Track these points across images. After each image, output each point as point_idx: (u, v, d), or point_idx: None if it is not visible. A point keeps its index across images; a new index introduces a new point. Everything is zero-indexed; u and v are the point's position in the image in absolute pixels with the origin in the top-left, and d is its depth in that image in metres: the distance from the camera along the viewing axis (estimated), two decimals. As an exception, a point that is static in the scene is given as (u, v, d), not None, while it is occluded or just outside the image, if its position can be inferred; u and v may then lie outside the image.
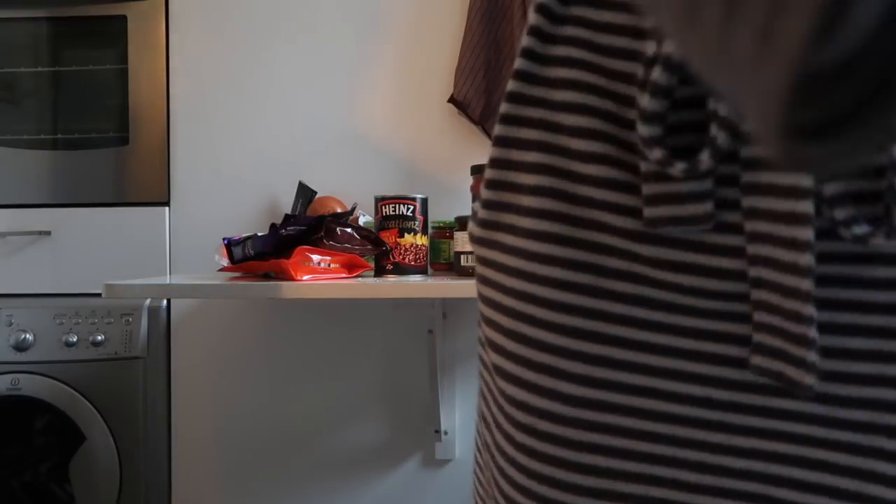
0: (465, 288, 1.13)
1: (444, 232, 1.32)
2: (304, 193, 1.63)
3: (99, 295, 1.69)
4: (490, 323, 0.36)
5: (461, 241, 1.23)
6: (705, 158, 0.29)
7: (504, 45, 1.65)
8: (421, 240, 1.24)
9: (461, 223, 1.24)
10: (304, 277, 1.13)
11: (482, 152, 1.70)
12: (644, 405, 0.31)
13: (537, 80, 0.35)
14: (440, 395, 1.61)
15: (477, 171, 1.32)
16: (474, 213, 0.39)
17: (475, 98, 1.66)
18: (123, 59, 1.73)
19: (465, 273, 1.23)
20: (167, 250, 1.73)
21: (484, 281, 0.38)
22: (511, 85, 0.36)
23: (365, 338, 1.71)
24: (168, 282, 1.23)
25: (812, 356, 0.27)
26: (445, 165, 1.71)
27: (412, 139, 1.72)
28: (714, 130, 0.29)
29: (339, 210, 1.56)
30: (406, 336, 1.71)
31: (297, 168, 1.72)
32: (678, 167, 0.29)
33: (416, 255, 1.24)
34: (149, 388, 1.68)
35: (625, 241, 0.32)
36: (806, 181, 0.27)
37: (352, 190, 1.68)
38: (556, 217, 0.33)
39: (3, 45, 1.77)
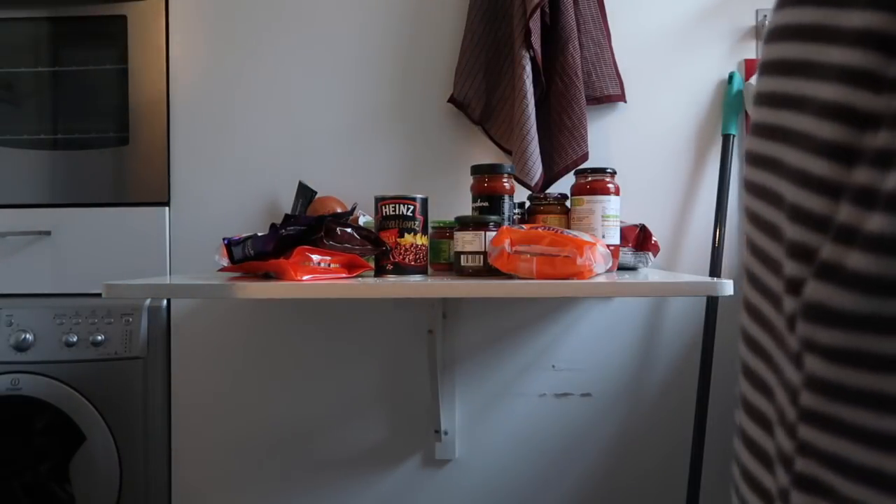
0: (465, 288, 1.13)
1: (444, 232, 1.32)
2: (304, 193, 1.63)
3: (99, 295, 1.69)
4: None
5: (461, 241, 1.23)
6: None
7: (504, 45, 1.65)
8: (421, 240, 1.24)
9: (461, 223, 1.24)
10: (304, 277, 1.13)
11: (482, 152, 1.70)
12: None
13: None
14: (440, 395, 1.61)
15: (477, 171, 1.32)
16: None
17: (475, 98, 1.66)
18: (123, 59, 1.73)
19: (465, 273, 1.23)
20: (167, 250, 1.73)
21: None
22: None
23: (365, 338, 1.71)
24: (168, 282, 1.22)
25: None
26: (445, 165, 1.71)
27: (412, 139, 1.72)
28: None
29: (339, 210, 1.56)
30: (406, 336, 1.71)
31: (297, 168, 1.72)
32: None
33: (416, 255, 1.24)
34: (149, 388, 1.68)
35: None
36: None
37: (352, 190, 1.68)
38: None
39: (3, 45, 1.77)
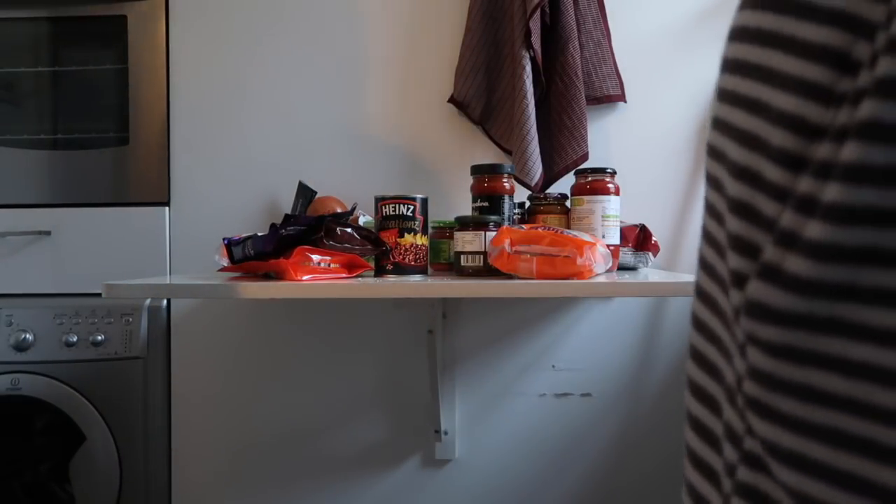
0: (465, 288, 1.13)
1: (444, 232, 1.32)
2: (304, 193, 1.63)
3: (99, 295, 1.69)
4: None
5: (461, 241, 1.23)
6: None
7: (504, 45, 1.65)
8: (421, 240, 1.24)
9: (461, 223, 1.24)
10: (304, 277, 1.13)
11: (482, 152, 1.70)
12: None
13: None
14: (440, 395, 1.61)
15: (477, 171, 1.32)
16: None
17: (475, 98, 1.66)
18: (123, 59, 1.73)
19: (465, 273, 1.23)
20: (167, 250, 1.73)
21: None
22: None
23: (365, 338, 1.71)
24: (168, 282, 1.23)
25: None
26: (445, 165, 1.71)
27: (412, 139, 1.72)
28: None
29: (339, 210, 1.56)
30: (406, 336, 1.71)
31: (297, 168, 1.72)
32: None
33: (416, 255, 1.24)
34: (149, 388, 1.68)
35: None
36: None
37: (352, 190, 1.68)
38: None
39: (3, 45, 1.77)
